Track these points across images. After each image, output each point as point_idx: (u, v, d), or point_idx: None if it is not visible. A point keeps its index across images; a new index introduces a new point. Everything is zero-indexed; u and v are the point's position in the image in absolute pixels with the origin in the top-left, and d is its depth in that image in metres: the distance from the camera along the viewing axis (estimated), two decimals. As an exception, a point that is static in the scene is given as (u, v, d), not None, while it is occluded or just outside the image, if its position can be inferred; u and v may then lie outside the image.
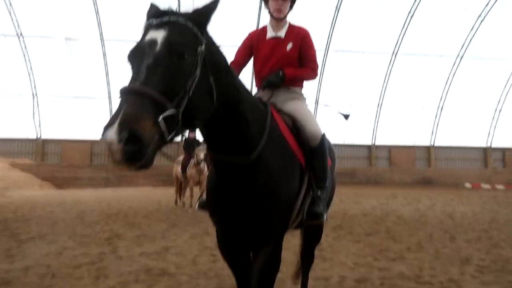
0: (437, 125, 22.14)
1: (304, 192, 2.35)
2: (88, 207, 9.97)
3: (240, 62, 2.88)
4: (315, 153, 2.49)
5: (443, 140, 22.35)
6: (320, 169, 2.51)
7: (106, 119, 1.46)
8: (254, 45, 2.87)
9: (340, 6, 17.89)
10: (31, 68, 17.99)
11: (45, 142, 19.04)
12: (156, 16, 1.71)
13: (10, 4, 16.34)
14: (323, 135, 2.58)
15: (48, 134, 18.94)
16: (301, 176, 2.36)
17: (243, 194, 2.10)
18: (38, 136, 18.84)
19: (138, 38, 1.73)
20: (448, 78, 20.83)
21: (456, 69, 20.56)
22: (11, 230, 6.59)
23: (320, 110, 20.35)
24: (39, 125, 18.95)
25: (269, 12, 2.82)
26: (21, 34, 17.15)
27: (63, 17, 16.71)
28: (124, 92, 1.50)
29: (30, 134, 18.96)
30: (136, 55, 1.64)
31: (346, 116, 2.82)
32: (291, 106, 2.68)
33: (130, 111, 1.41)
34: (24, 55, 17.70)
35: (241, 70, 2.89)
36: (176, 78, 1.58)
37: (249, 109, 2.11)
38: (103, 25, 17.17)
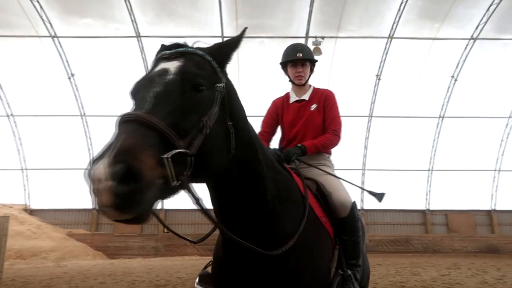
0: (496, 188, 20.75)
1: (334, 271, 2.03)
2: (137, 278, 10.04)
3: (268, 131, 2.81)
4: (344, 226, 2.18)
5: (505, 204, 20.73)
6: (351, 244, 2.17)
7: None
8: (279, 112, 2.80)
9: (381, 73, 18.19)
10: (91, 144, 19.42)
11: (99, 212, 19.85)
12: (169, 48, 1.51)
13: (77, 89, 18.24)
14: (353, 204, 2.27)
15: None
16: (331, 251, 2.05)
17: (260, 274, 1.74)
18: (93, 206, 19.75)
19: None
20: (502, 139, 19.89)
21: (510, 131, 19.66)
22: (66, 302, 6.75)
23: (367, 174, 19.97)
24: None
25: (290, 79, 2.81)
26: (84, 114, 18.86)
27: (121, 97, 18.31)
28: (125, 120, 1.22)
29: (86, 204, 19.93)
30: (142, 87, 1.38)
31: (380, 197, 2.54)
32: (317, 171, 2.47)
33: (130, 142, 1.11)
34: (85, 132, 19.25)
35: (270, 139, 2.80)
36: (189, 112, 1.32)
37: (270, 169, 1.82)
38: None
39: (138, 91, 1.38)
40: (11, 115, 19.06)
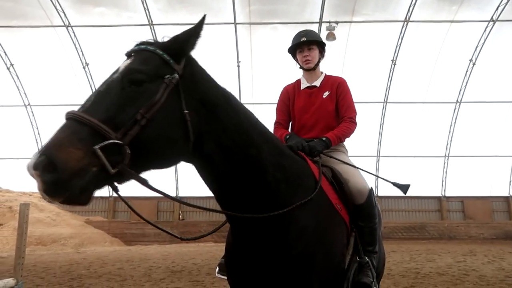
0: (515, 173, 20.35)
1: (349, 258, 2.02)
2: (154, 264, 10.24)
3: (285, 118, 2.82)
4: (361, 213, 2.17)
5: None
6: (368, 231, 2.16)
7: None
8: (290, 98, 2.81)
9: (396, 58, 17.87)
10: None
11: (116, 200, 20.24)
12: (132, 47, 1.63)
13: (91, 78, 18.44)
14: (371, 191, 2.25)
15: (120, 192, 20.19)
16: (346, 237, 2.04)
17: (267, 260, 1.76)
18: (111, 193, 20.11)
19: None
20: (522, 124, 19.41)
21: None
22: (86, 287, 6.95)
23: (382, 161, 19.81)
24: (112, 184, 20.36)
25: (300, 66, 2.82)
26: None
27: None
28: (65, 118, 1.38)
29: (103, 192, 20.32)
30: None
31: (405, 188, 2.53)
32: (332, 159, 2.45)
33: (59, 137, 1.29)
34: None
35: (289, 126, 2.82)
36: (126, 106, 1.41)
37: (272, 155, 1.82)
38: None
39: None
40: (28, 104, 19.41)
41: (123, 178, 1.40)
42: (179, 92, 1.54)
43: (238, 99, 1.86)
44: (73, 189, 1.25)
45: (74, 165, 1.25)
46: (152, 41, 1.63)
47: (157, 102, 1.45)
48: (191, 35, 1.60)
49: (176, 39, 1.61)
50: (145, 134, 1.40)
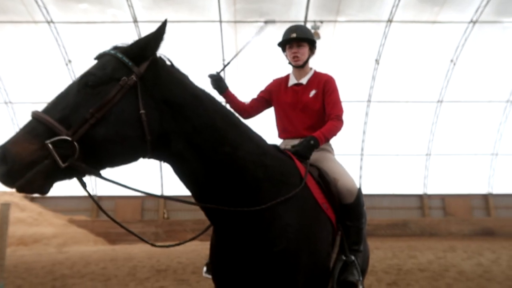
0: (494, 171, 20.88)
1: (335, 257, 2.04)
2: (139, 263, 10.18)
3: (255, 101, 2.94)
4: (349, 212, 2.18)
5: (502, 187, 20.90)
6: (355, 230, 2.18)
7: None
8: (274, 92, 2.80)
9: (380, 58, 18.11)
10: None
11: (100, 198, 19.95)
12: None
13: (74, 75, 18.12)
14: (359, 190, 2.27)
15: (102, 191, 19.89)
16: (332, 236, 2.05)
17: (249, 258, 1.77)
18: (94, 193, 19.82)
19: None
20: (500, 123, 19.93)
21: (508, 114, 19.68)
22: (69, 287, 6.86)
23: (366, 159, 20.07)
24: (95, 183, 20.04)
25: (289, 62, 2.79)
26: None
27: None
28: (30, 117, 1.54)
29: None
30: None
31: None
32: (319, 158, 2.46)
33: (17, 134, 1.46)
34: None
35: (251, 107, 2.91)
36: (80, 106, 1.52)
37: (254, 154, 1.84)
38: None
39: None
40: (9, 102, 18.97)
41: (77, 172, 1.54)
42: (136, 93, 1.60)
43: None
44: (26, 177, 1.40)
45: (25, 156, 1.40)
46: (121, 44, 1.70)
47: (108, 102, 1.54)
48: (151, 39, 1.65)
49: (136, 43, 1.67)
50: (95, 132, 1.51)
